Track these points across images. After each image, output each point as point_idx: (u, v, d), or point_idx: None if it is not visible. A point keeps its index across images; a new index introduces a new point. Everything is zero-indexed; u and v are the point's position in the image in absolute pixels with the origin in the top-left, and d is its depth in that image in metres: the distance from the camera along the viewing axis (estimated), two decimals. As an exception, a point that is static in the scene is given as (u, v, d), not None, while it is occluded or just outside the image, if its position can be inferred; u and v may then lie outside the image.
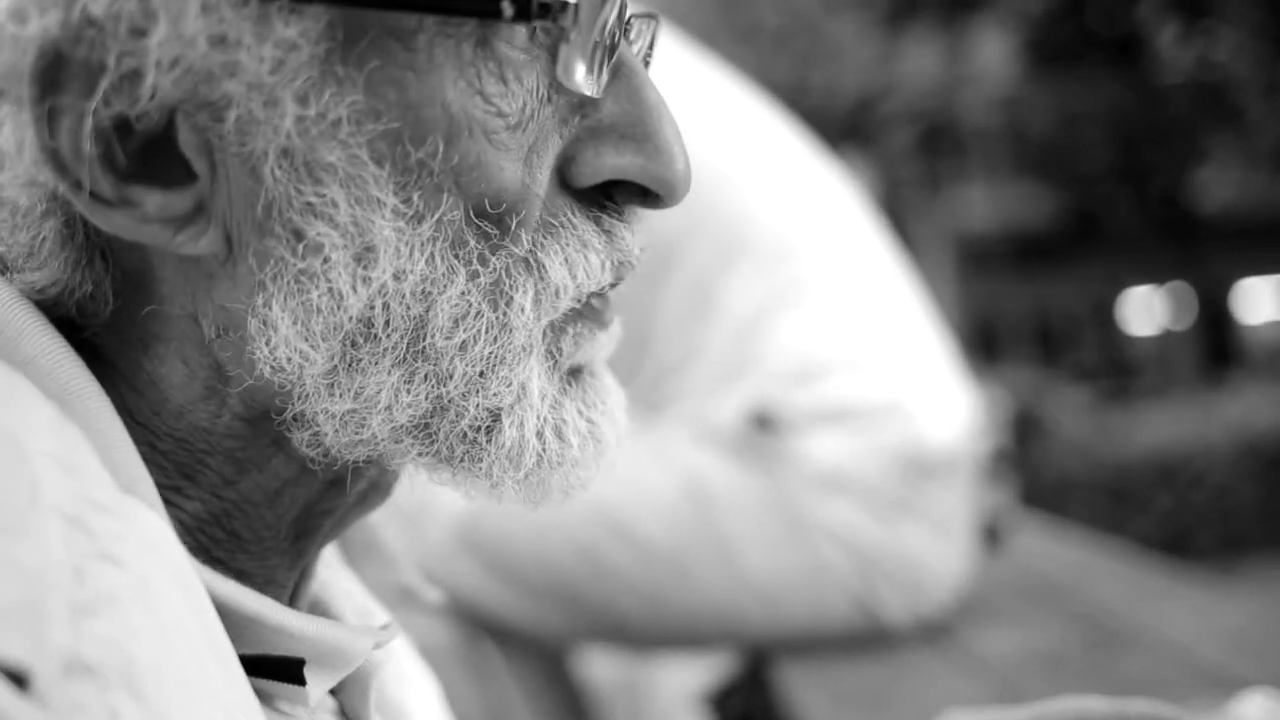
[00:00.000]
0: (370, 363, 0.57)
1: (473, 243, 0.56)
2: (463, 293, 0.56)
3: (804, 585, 1.92)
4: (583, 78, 0.57)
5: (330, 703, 0.66)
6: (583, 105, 0.59)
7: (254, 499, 0.61)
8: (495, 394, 0.58)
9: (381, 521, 0.83)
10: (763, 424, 1.92)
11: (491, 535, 1.87)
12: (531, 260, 0.57)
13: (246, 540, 0.62)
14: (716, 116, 2.10)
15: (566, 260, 0.58)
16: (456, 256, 0.56)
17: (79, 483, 0.51)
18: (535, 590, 1.90)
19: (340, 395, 0.57)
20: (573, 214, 0.59)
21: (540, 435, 0.59)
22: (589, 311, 0.61)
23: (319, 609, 0.70)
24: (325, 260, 0.55)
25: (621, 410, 0.64)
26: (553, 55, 0.57)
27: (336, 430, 0.57)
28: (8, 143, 0.55)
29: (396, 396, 0.57)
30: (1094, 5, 14.53)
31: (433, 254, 0.55)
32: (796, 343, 1.94)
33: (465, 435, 0.58)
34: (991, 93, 15.22)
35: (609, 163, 0.59)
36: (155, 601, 0.51)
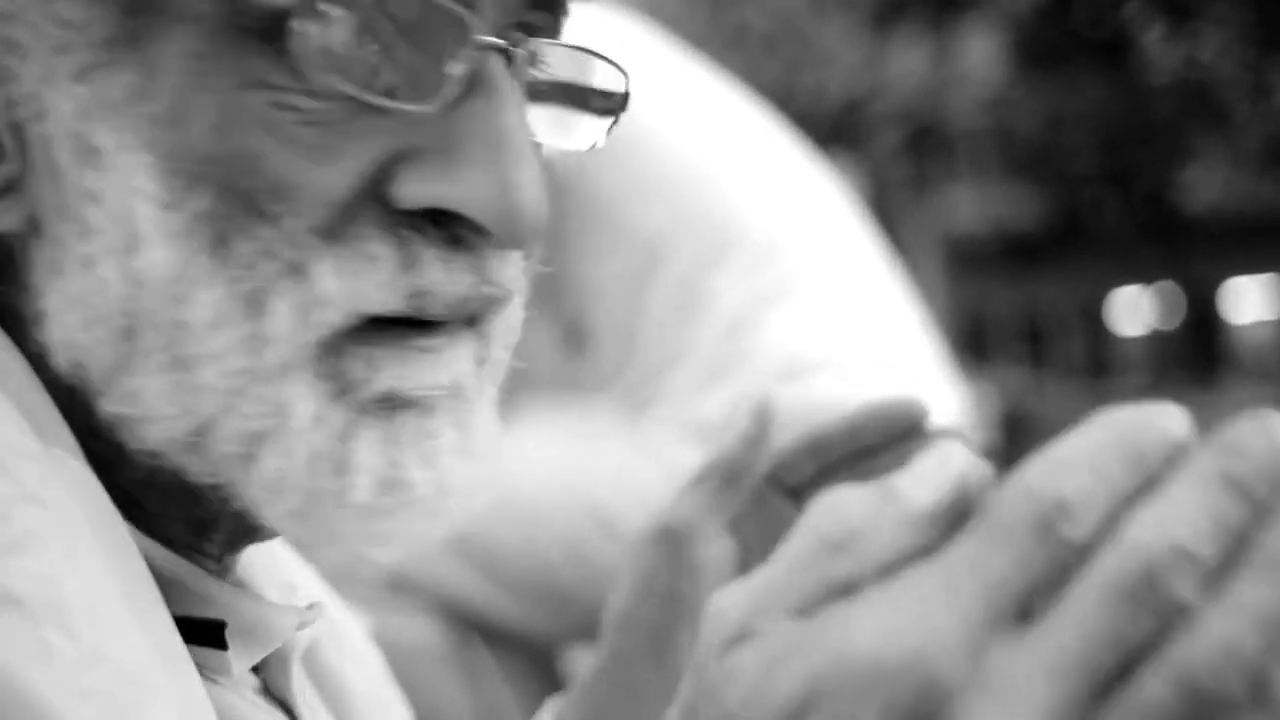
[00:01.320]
0: (139, 364, 0.55)
1: (236, 243, 0.53)
2: (218, 296, 0.53)
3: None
4: (403, 88, 0.53)
5: (252, 680, 0.66)
6: (421, 118, 0.54)
7: (133, 480, 0.59)
8: (252, 414, 0.53)
9: None
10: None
11: (480, 535, 1.87)
12: (300, 268, 0.53)
13: (147, 510, 0.60)
14: (703, 115, 2.11)
15: (343, 271, 0.53)
16: (215, 257, 0.53)
17: (2, 432, 0.52)
18: (524, 590, 1.90)
19: (115, 398, 0.55)
20: (372, 228, 0.54)
21: (311, 468, 0.54)
22: (397, 334, 0.55)
23: (239, 584, 0.70)
24: (98, 245, 0.54)
25: (458, 457, 0.57)
26: (374, 56, 0.53)
27: (129, 436, 0.56)
28: None
29: (161, 406, 0.54)
30: (1080, 6, 14.59)
31: (189, 250, 0.53)
32: (785, 341, 1.95)
33: (229, 458, 0.54)
34: (979, 94, 15.27)
35: (431, 188, 0.54)
36: (83, 542, 0.51)
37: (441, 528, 0.58)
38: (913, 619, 0.42)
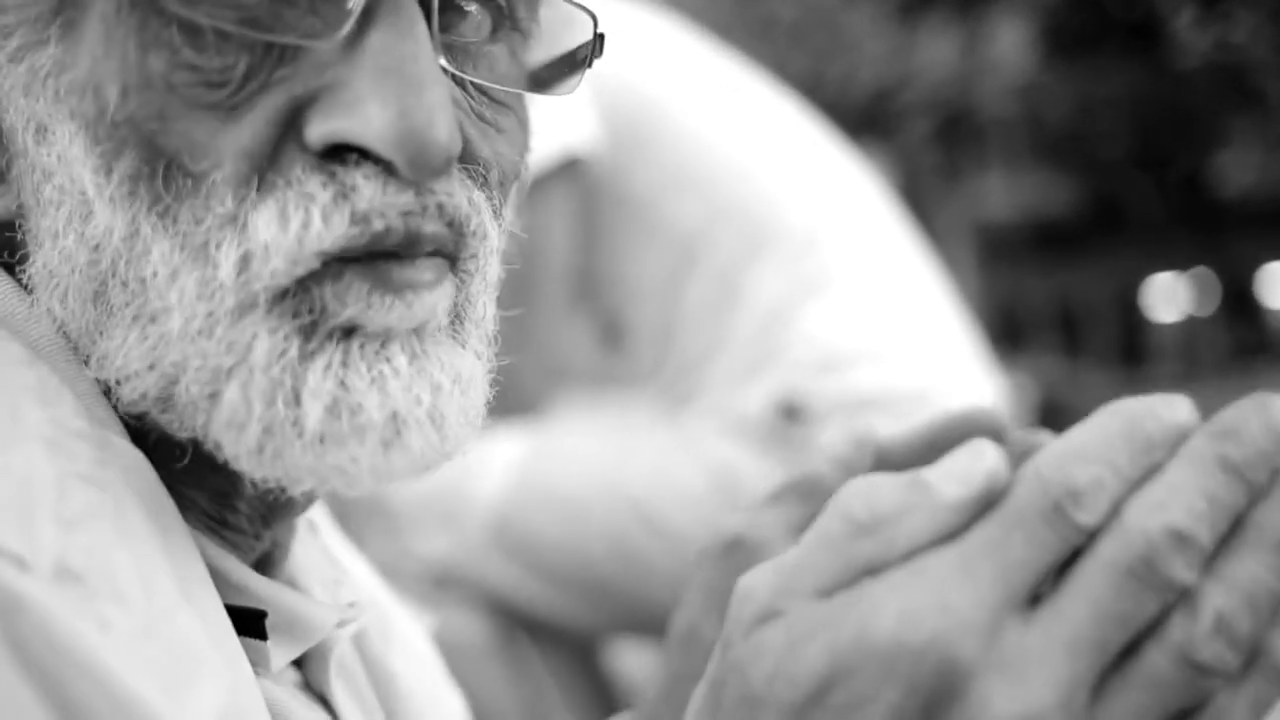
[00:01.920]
0: (112, 326, 0.56)
1: (170, 200, 0.54)
2: (169, 251, 0.54)
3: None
4: (297, 28, 0.54)
5: (293, 675, 0.67)
6: (325, 62, 0.55)
7: (158, 459, 0.59)
8: (215, 354, 0.54)
9: (385, 490, 0.81)
10: (789, 415, 1.93)
11: (524, 530, 1.88)
12: (239, 217, 0.54)
13: (182, 494, 0.60)
14: (736, 109, 2.11)
15: (282, 217, 0.54)
16: (159, 215, 0.54)
17: (55, 412, 0.53)
18: (567, 584, 1.91)
19: (95, 363, 0.57)
20: (301, 170, 0.55)
21: (269, 399, 0.54)
22: (366, 271, 0.56)
23: (292, 585, 0.70)
24: (58, 218, 0.56)
25: (412, 387, 0.57)
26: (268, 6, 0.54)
27: (120, 403, 0.57)
28: None
29: (132, 362, 0.56)
30: (1111, -9, 14.45)
31: (134, 213, 0.54)
32: (822, 332, 1.95)
33: (196, 404, 0.55)
34: (1009, 81, 15.15)
35: (337, 124, 0.54)
36: (137, 522, 0.52)
37: (405, 462, 0.56)
38: (932, 601, 0.44)
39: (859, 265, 2.04)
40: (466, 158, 0.59)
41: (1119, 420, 0.45)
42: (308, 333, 0.55)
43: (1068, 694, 0.42)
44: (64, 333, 0.58)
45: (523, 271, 1.96)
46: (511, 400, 1.94)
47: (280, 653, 0.63)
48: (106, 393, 0.58)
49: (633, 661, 2.53)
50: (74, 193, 0.55)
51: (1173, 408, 0.46)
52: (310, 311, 0.55)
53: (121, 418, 0.58)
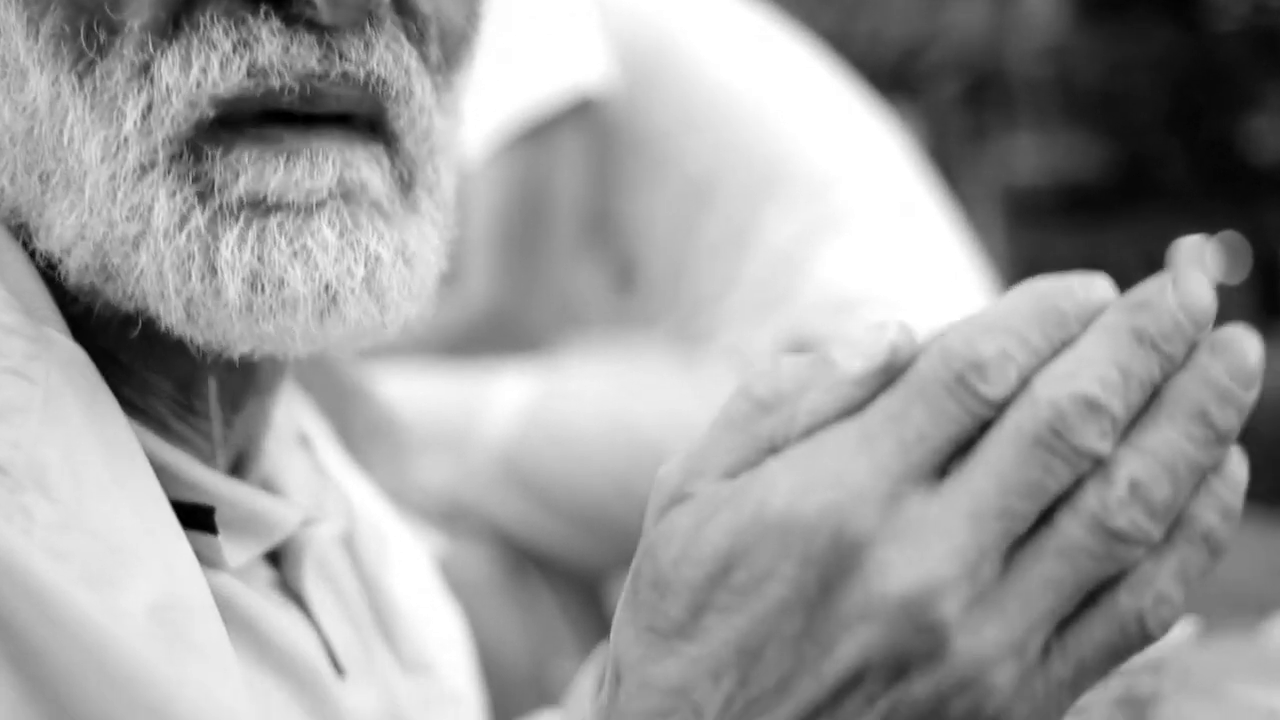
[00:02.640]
0: (50, 197, 0.56)
1: (93, 55, 0.54)
2: (84, 110, 0.54)
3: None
4: None
5: (266, 574, 0.67)
6: None
7: (108, 352, 0.59)
8: (121, 223, 0.54)
9: (386, 408, 0.81)
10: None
11: (533, 467, 1.89)
12: (146, 68, 0.54)
13: (134, 393, 0.60)
14: (754, 50, 2.10)
15: (186, 62, 0.54)
16: (79, 75, 0.54)
17: None
18: (575, 519, 1.92)
19: (42, 235, 0.57)
20: (210, 16, 0.54)
21: (183, 271, 0.54)
22: (255, 135, 0.56)
23: (269, 488, 0.70)
24: (0, 91, 0.56)
25: (341, 258, 0.56)
26: None
27: (65, 277, 0.57)
28: None
29: (67, 231, 0.55)
30: (1145, -49, 14.24)
31: (56, 73, 0.54)
32: (835, 274, 1.94)
33: (121, 273, 0.55)
34: (1039, 42, 14.96)
35: None
36: (69, 416, 0.51)
37: (341, 331, 0.57)
38: (828, 474, 0.43)
39: (874, 210, 2.03)
40: (402, 9, 0.58)
41: (1031, 296, 0.44)
42: (205, 199, 0.55)
43: (972, 563, 0.41)
44: (15, 213, 0.57)
45: (533, 213, 1.98)
46: (522, 340, 1.95)
47: (238, 549, 0.62)
48: (54, 280, 0.57)
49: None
50: (10, 60, 0.55)
51: (1090, 286, 0.45)
52: (204, 179, 0.55)
53: (79, 310, 0.58)
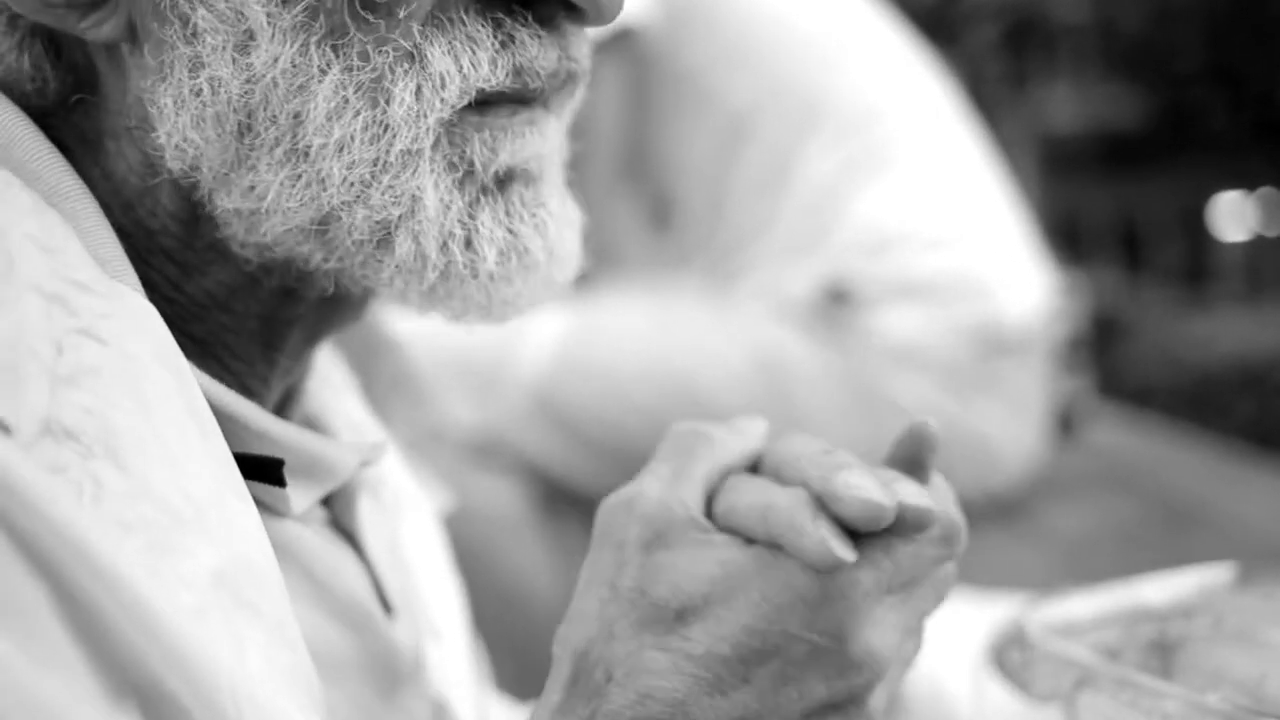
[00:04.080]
0: (257, 158, 0.57)
1: (354, 32, 0.55)
2: (338, 86, 0.55)
3: (874, 459, 1.92)
4: None
5: (320, 513, 0.68)
6: None
7: (204, 303, 0.62)
8: (382, 206, 0.56)
9: (411, 360, 0.83)
10: (837, 297, 1.92)
11: (565, 400, 1.90)
12: (415, 53, 0.56)
13: (208, 344, 0.62)
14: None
15: (452, 51, 0.56)
16: (333, 47, 0.55)
17: (59, 262, 0.53)
18: (607, 456, 1.93)
19: (236, 192, 0.57)
20: (466, 12, 0.57)
21: (444, 248, 0.58)
22: (503, 110, 0.59)
23: (313, 427, 0.72)
24: (208, 46, 0.56)
25: (564, 226, 0.62)
26: None
27: (245, 230, 0.58)
28: None
29: (284, 198, 0.57)
30: (1192, -105, 14.00)
31: (306, 42, 0.55)
32: (873, 214, 1.93)
33: (361, 245, 0.58)
34: (1082, -12, 14.75)
35: None
36: (139, 378, 0.52)
37: (550, 292, 0.63)
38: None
39: (914, 150, 2.02)
40: None
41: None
42: (466, 182, 0.58)
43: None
44: (193, 164, 0.57)
45: (568, 147, 1.94)
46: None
47: (301, 495, 0.64)
48: (129, 237, 0.59)
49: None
50: (234, 21, 0.55)
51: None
52: (463, 161, 0.58)
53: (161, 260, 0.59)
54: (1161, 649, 0.96)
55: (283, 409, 0.71)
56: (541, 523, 2.01)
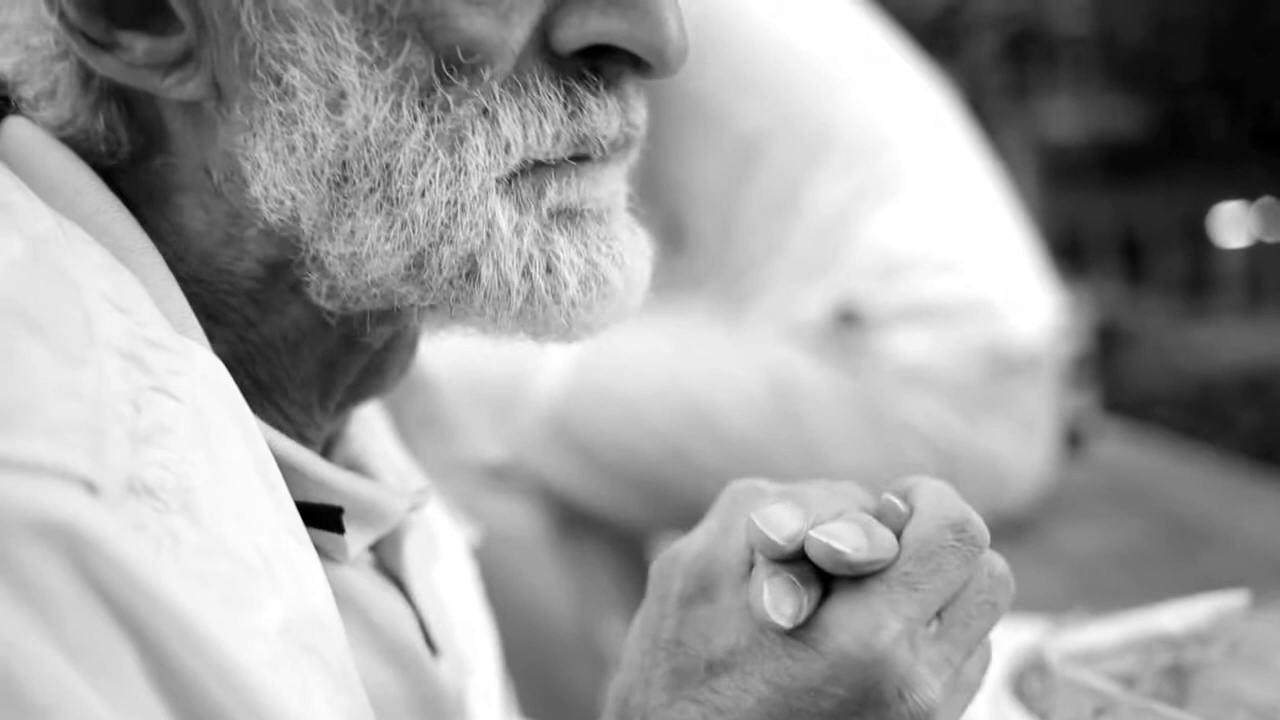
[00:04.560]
0: (355, 206, 0.59)
1: (439, 90, 0.57)
2: (423, 138, 0.58)
3: (886, 480, 1.94)
4: None
5: (367, 556, 0.70)
6: None
7: (275, 344, 0.64)
8: (464, 240, 0.59)
9: (440, 396, 0.85)
10: (847, 320, 1.93)
11: (581, 426, 1.91)
12: (492, 112, 0.58)
13: (269, 388, 0.64)
14: (807, 9, 2.09)
15: (522, 119, 0.59)
16: (420, 104, 0.57)
17: (133, 321, 0.54)
18: (622, 479, 1.94)
19: (336, 237, 0.59)
20: (540, 78, 0.59)
21: (526, 273, 0.60)
22: (565, 168, 0.61)
23: (355, 467, 0.74)
24: (301, 104, 0.58)
25: (637, 257, 0.65)
26: None
27: (345, 273, 0.60)
28: None
29: (382, 241, 0.59)
30: (1191, -94, 14.01)
31: (397, 101, 0.57)
32: (884, 238, 1.95)
33: (452, 282, 0.60)
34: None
35: (594, 26, 0.59)
36: (210, 433, 0.54)
37: (623, 320, 0.65)
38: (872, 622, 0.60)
39: (921, 175, 2.03)
40: None
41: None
42: (532, 211, 0.61)
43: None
44: (292, 217, 0.59)
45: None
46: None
47: (356, 541, 0.66)
48: (194, 294, 0.61)
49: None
50: (326, 81, 0.57)
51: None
52: (530, 198, 0.61)
53: (226, 314, 0.62)
54: (1177, 675, 0.97)
55: (326, 452, 0.73)
56: (558, 545, 2.02)
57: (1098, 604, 1.67)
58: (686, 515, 2.04)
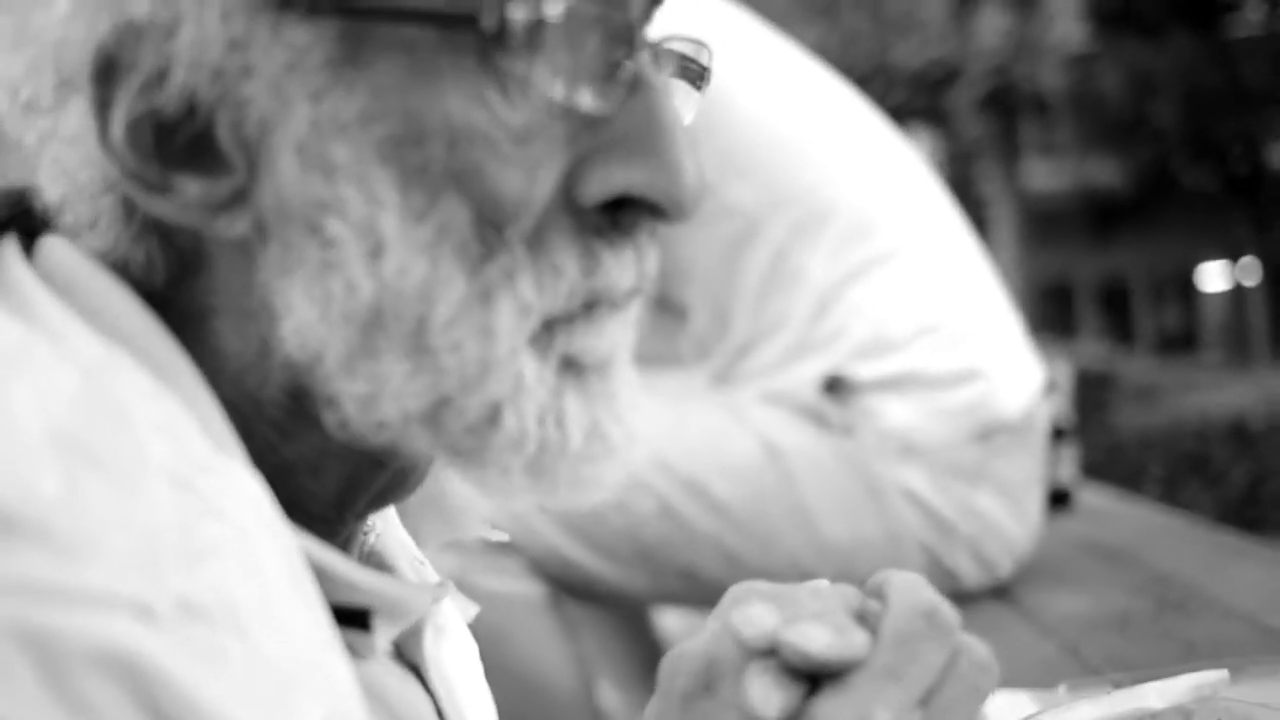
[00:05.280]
0: (383, 351, 0.60)
1: (475, 247, 0.58)
2: (461, 295, 0.59)
3: (880, 548, 1.97)
4: (589, 95, 0.59)
5: (388, 648, 0.72)
6: (595, 122, 0.60)
7: (297, 467, 0.66)
8: (493, 390, 0.60)
9: (443, 477, 0.86)
10: (838, 389, 1.97)
11: (577, 499, 1.94)
12: (511, 273, 0.59)
13: (292, 503, 0.65)
14: (794, 91, 2.14)
15: (538, 282, 0.60)
16: (458, 260, 0.58)
17: (181, 446, 0.56)
18: (617, 551, 1.97)
19: (357, 378, 0.60)
20: (561, 234, 0.60)
21: (541, 422, 0.60)
22: (578, 313, 0.62)
23: (374, 560, 0.76)
24: (341, 253, 0.59)
25: (630, 412, 0.65)
26: (556, 72, 0.58)
27: (358, 412, 0.61)
28: (78, 126, 0.61)
29: (406, 385, 0.60)
30: (1168, -36, 14.21)
31: (435, 256, 0.58)
32: (875, 312, 1.99)
33: (471, 429, 0.60)
34: (1062, 54, 14.97)
35: (618, 179, 0.60)
36: (253, 550, 0.56)
37: (625, 473, 0.64)
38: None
39: (913, 247, 2.08)
40: None
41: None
42: (545, 362, 0.61)
43: None
44: (316, 353, 0.61)
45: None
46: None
47: (382, 637, 0.68)
48: (235, 410, 0.63)
49: (678, 627, 2.60)
50: (367, 232, 0.59)
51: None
52: (548, 351, 0.61)
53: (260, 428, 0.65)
54: (1161, 749, 1.00)
55: (346, 546, 0.76)
56: (553, 617, 2.04)
57: (1084, 671, 1.69)
58: (681, 586, 2.08)
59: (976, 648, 0.63)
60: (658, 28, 0.69)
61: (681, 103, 0.72)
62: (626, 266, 0.62)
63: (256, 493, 0.59)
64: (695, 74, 0.72)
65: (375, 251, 0.59)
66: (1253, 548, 2.32)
